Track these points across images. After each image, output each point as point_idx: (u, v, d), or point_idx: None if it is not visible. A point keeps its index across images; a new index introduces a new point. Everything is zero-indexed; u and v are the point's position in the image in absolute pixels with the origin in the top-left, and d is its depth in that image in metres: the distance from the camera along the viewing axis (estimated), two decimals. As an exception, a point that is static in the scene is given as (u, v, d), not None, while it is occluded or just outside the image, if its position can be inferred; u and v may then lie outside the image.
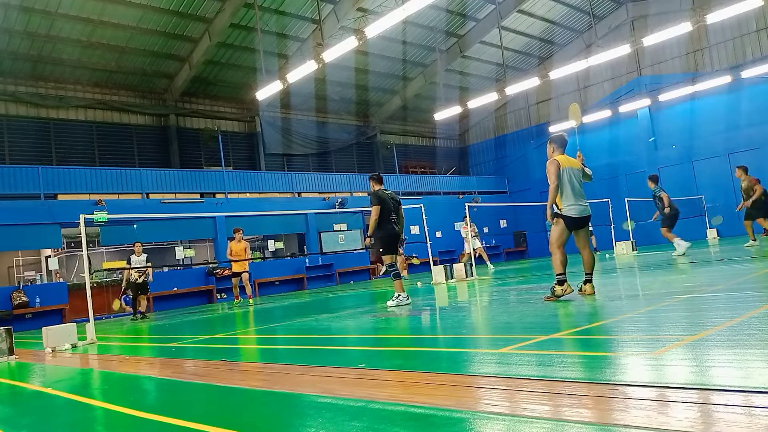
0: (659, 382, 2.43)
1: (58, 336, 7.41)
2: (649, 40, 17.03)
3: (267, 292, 18.20)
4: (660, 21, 21.65)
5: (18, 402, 4.17)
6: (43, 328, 7.51)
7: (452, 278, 12.44)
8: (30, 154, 17.73)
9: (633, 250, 16.43)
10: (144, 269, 12.26)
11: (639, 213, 17.88)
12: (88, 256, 8.34)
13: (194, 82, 21.01)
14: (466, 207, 14.61)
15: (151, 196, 17.14)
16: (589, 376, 2.70)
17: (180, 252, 18.45)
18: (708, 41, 22.41)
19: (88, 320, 7.90)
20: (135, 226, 15.89)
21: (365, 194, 21.39)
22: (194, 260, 20.45)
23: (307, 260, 19.20)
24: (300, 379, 3.53)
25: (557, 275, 6.02)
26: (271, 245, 19.71)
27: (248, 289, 13.75)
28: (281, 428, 2.57)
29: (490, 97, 19.97)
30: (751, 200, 11.57)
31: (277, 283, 18.54)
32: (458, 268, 12.55)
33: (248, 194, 19.51)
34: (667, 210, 11.47)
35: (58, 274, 17.18)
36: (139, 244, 12.34)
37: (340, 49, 13.72)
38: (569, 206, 6.12)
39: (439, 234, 22.79)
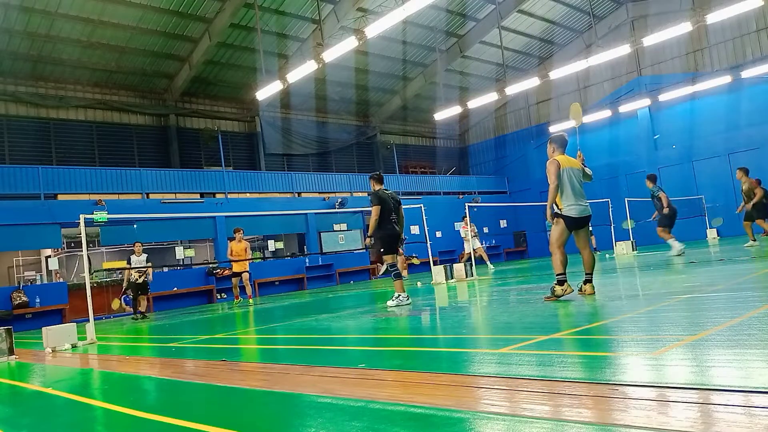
0: (659, 382, 2.43)
1: (58, 336, 7.41)
2: (649, 40, 17.03)
3: (267, 292, 18.20)
4: (660, 21, 21.65)
5: (18, 402, 4.17)
6: (43, 328, 7.51)
7: (452, 278, 12.44)
8: (30, 154, 17.73)
9: (633, 250, 16.44)
10: (144, 269, 12.26)
11: (639, 213, 17.87)
12: (88, 256, 8.34)
13: (194, 82, 21.01)
14: (466, 207, 14.61)
15: (151, 196, 17.14)
16: (589, 376, 2.70)
17: (180, 252, 18.45)
18: (708, 41, 22.41)
19: (88, 320, 7.90)
20: (135, 226, 15.89)
21: (365, 194, 21.39)
22: (194, 260, 20.45)
23: (307, 260, 19.20)
24: (300, 379, 3.53)
25: (557, 275, 6.02)
26: (271, 245, 19.71)
27: (248, 289, 13.75)
28: (281, 428, 2.57)
29: (490, 97, 19.97)
30: (751, 203, 11.61)
31: (277, 283, 18.54)
32: (458, 268, 12.55)
33: (248, 194, 19.51)
34: (665, 210, 11.48)
35: (58, 274, 17.18)
36: (139, 244, 12.34)
37: (340, 49, 13.72)
38: (569, 206, 6.12)
39: (439, 234, 22.79)
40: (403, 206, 8.48)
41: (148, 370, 4.94)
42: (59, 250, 17.65)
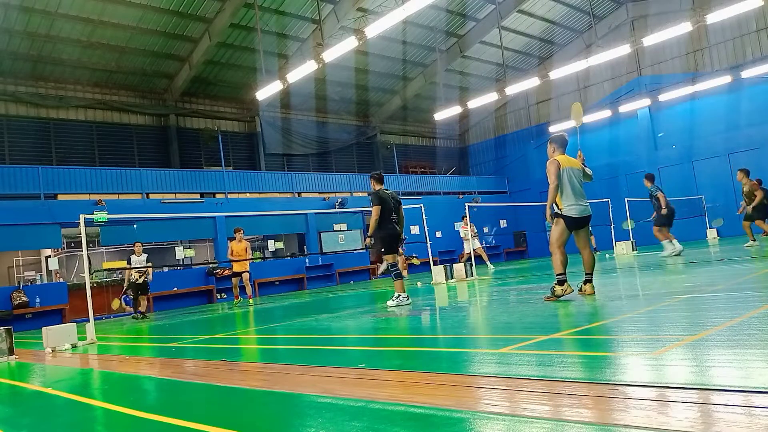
0: (659, 382, 2.43)
1: (58, 336, 7.41)
2: (649, 40, 17.03)
3: (267, 292, 18.20)
4: (660, 21, 21.65)
5: (18, 402, 4.17)
6: (43, 328, 7.51)
7: (452, 278, 12.45)
8: (30, 154, 17.73)
9: (633, 250, 16.43)
10: (144, 269, 12.27)
11: (639, 213, 17.87)
12: (88, 256, 8.34)
13: (194, 82, 21.01)
14: (466, 207, 14.61)
15: (151, 196, 17.14)
16: (589, 376, 2.70)
17: (180, 252, 18.45)
18: (708, 41, 22.41)
19: (88, 320, 7.90)
20: (135, 226, 15.89)
21: (365, 194, 21.39)
22: (194, 260, 20.45)
23: (307, 260, 19.20)
24: (300, 379, 3.53)
25: (557, 275, 6.02)
26: (271, 245, 19.72)
27: (248, 289, 13.75)
28: (281, 428, 2.57)
29: (490, 97, 19.97)
30: (752, 206, 11.62)
31: (277, 283, 18.54)
32: (458, 268, 12.55)
33: (248, 194, 19.51)
34: (664, 211, 11.49)
35: (58, 274, 17.18)
36: (139, 244, 12.34)
37: (340, 49, 13.72)
38: (569, 206, 6.12)
39: (439, 234, 22.78)
40: (403, 206, 8.48)
41: (148, 370, 4.94)
42: (59, 250, 17.65)
